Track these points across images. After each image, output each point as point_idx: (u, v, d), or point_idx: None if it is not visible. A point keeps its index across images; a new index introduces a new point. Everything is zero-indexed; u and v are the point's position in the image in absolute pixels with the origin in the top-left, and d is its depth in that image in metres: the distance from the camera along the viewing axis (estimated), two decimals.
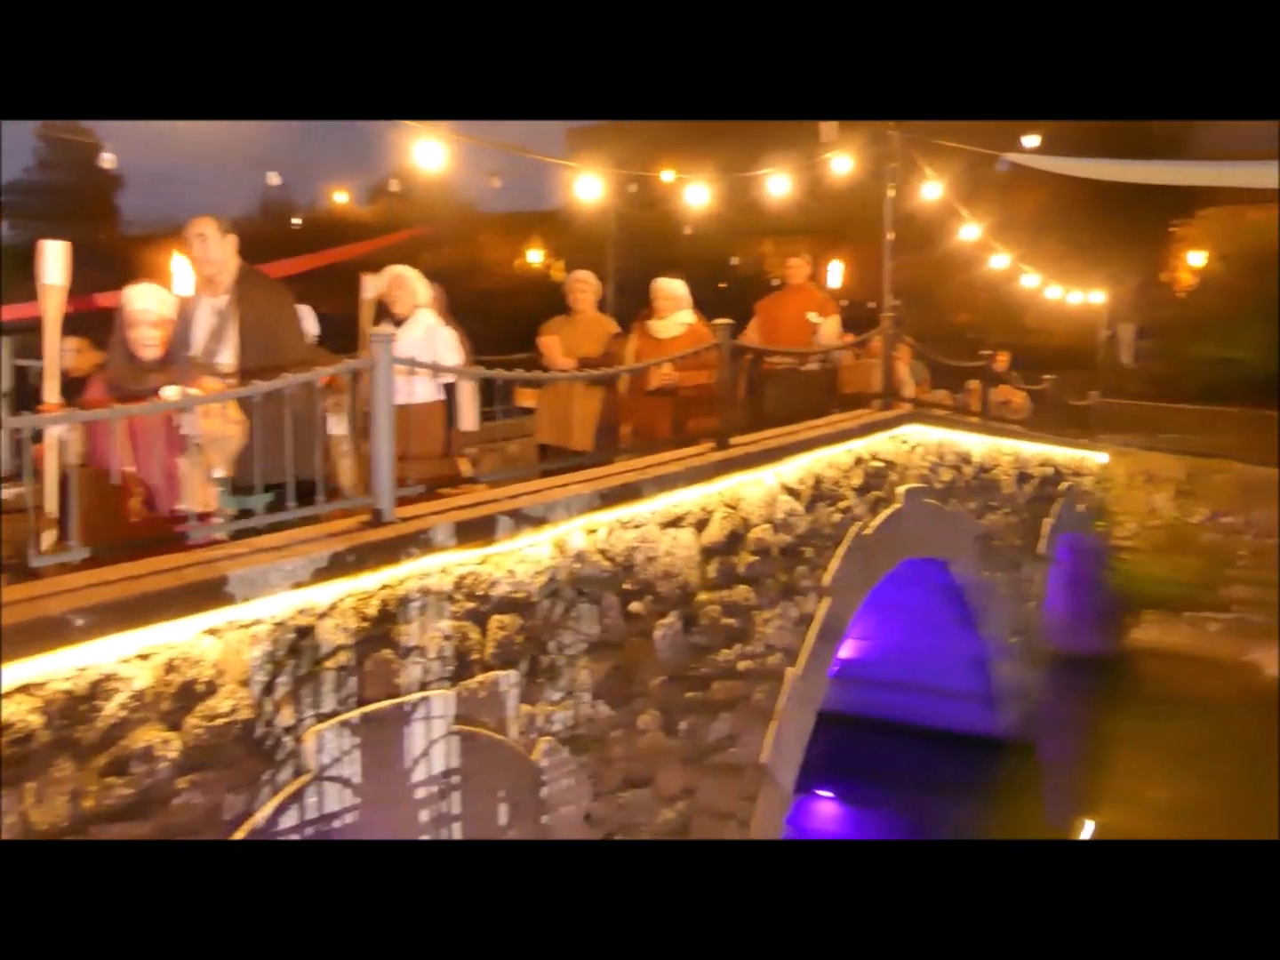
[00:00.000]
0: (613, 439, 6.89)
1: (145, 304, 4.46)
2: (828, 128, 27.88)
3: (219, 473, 4.17)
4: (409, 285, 5.96)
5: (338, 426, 5.77)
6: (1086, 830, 10.22)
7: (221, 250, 4.82)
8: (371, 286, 5.81)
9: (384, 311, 6.10)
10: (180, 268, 5.82)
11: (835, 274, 8.52)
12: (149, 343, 4.43)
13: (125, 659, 3.15)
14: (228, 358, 4.71)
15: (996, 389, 13.01)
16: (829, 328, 8.61)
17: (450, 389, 5.66)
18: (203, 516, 4.03)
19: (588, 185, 8.84)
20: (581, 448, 6.78)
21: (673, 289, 7.24)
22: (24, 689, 2.90)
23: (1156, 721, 12.60)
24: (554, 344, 7.06)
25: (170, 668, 3.27)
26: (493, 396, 8.28)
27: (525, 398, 7.88)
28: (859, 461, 7.85)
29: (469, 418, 5.79)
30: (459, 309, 6.57)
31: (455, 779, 4.27)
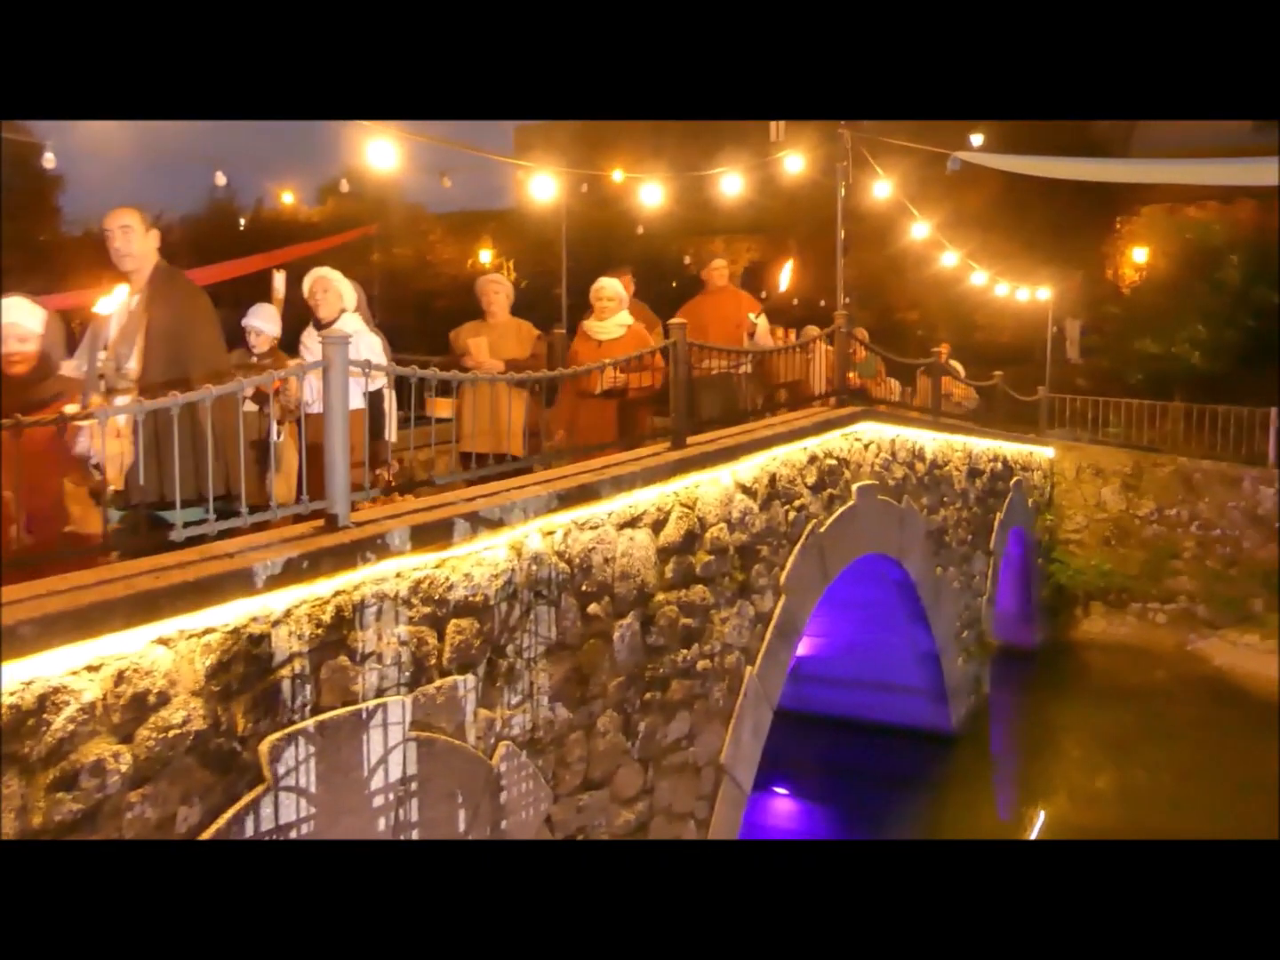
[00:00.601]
0: (539, 444, 6.60)
1: (11, 318, 4.26)
2: (777, 127, 28.03)
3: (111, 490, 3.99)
4: (334, 288, 5.85)
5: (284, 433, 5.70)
6: (1038, 820, 10.37)
7: (144, 245, 4.63)
8: (283, 285, 5.64)
9: (308, 315, 5.98)
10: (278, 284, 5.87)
11: (786, 276, 8.52)
12: (14, 359, 4.25)
13: (74, 671, 3.08)
14: (134, 363, 4.48)
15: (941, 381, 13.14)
16: (762, 327, 8.53)
17: (373, 398, 5.45)
18: (85, 538, 3.87)
19: (540, 184, 8.81)
20: (515, 453, 6.44)
21: (613, 289, 7.13)
22: None
23: (1103, 712, 12.84)
24: (482, 345, 6.77)
25: (120, 679, 3.20)
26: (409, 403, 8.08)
27: (441, 407, 7.54)
28: (813, 459, 7.89)
29: (390, 428, 5.64)
30: (408, 308, 6.51)
31: (413, 785, 4.23)
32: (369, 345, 5.65)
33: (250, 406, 5.47)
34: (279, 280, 5.86)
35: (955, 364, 14.44)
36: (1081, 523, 16.18)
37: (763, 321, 8.50)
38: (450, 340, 7.09)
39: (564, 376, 6.52)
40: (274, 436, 5.57)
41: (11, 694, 2.92)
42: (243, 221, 33.02)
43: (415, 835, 4.24)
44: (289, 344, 6.31)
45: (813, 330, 9.89)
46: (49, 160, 10.28)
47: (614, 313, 7.08)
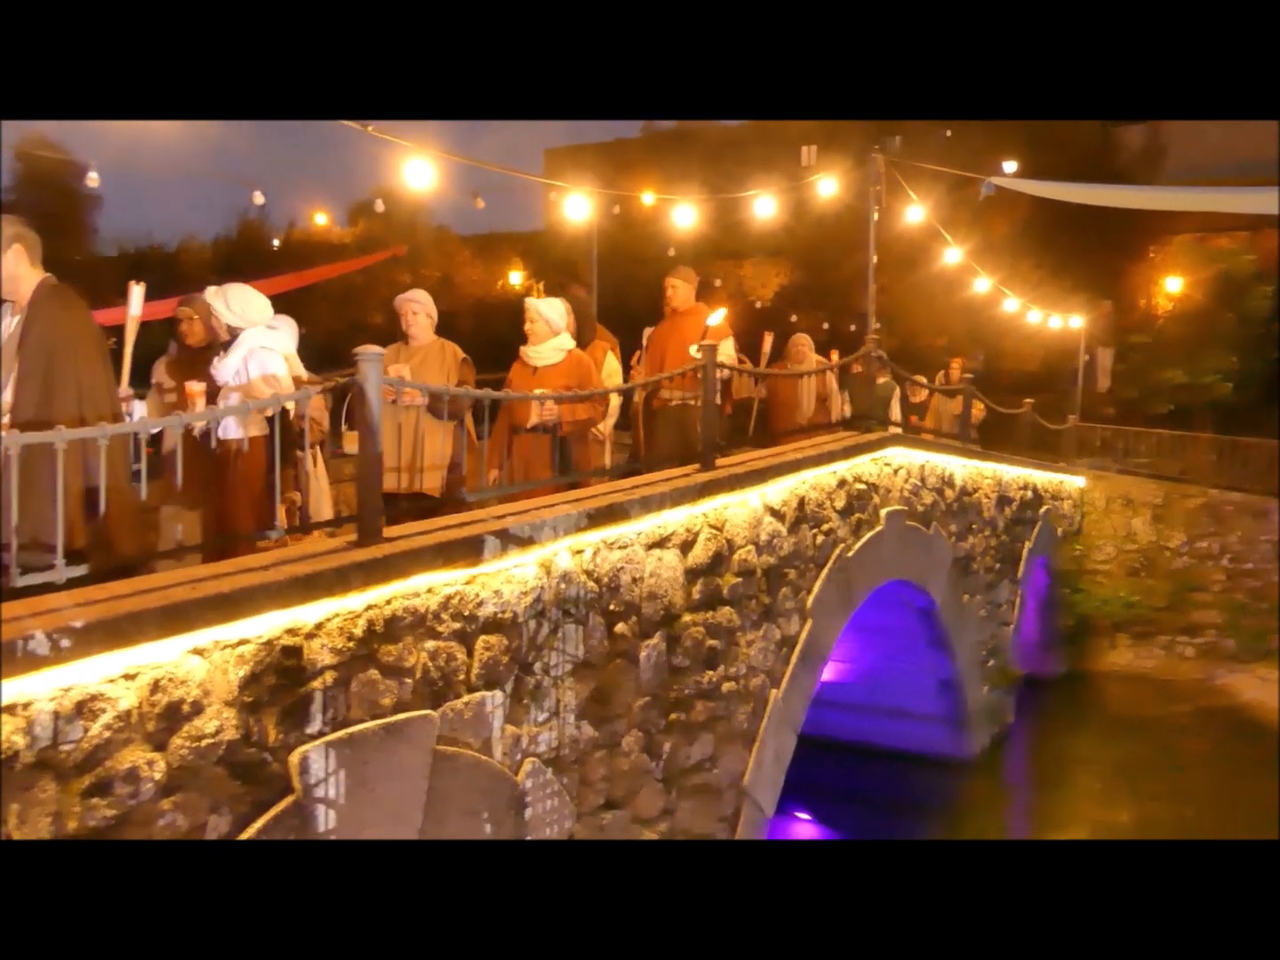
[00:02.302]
0: (459, 480, 5.93)
1: None
2: (808, 151, 28.13)
3: None
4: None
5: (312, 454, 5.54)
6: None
7: (15, 263, 4.20)
8: (138, 301, 5.20)
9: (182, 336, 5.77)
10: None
11: (717, 318, 7.38)
12: None
13: (110, 679, 3.11)
14: (8, 392, 4.07)
15: (951, 402, 12.79)
16: (724, 352, 7.37)
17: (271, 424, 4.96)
18: None
19: (574, 205, 8.86)
20: (431, 491, 5.92)
21: (549, 310, 6.41)
22: (7, 709, 2.86)
23: (1125, 744, 12.70)
24: (402, 373, 6.00)
25: (156, 688, 3.24)
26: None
27: (349, 441, 6.27)
28: (843, 484, 7.88)
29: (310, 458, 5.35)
30: (437, 329, 6.34)
31: (439, 800, 4.24)
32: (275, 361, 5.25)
33: (258, 430, 5.07)
34: (136, 294, 5.19)
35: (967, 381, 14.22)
36: (1110, 553, 16.06)
37: (726, 346, 7.41)
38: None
39: (472, 397, 5.36)
40: (307, 462, 5.39)
41: (50, 700, 2.96)
42: (276, 241, 33.41)
43: None
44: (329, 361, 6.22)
45: (802, 341, 9.67)
46: (92, 179, 10.42)
47: (549, 336, 6.39)
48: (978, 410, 13.45)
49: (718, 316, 7.36)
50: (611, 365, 7.46)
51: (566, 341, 6.42)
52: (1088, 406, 19.19)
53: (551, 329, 6.37)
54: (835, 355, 11.07)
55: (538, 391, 6.13)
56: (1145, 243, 23.07)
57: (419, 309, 6.35)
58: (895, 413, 10.28)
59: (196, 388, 5.23)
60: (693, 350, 6.99)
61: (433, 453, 5.96)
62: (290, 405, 4.84)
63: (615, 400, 7.12)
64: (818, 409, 9.25)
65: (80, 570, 3.47)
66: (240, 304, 5.27)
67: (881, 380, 10.57)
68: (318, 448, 5.58)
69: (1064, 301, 18.48)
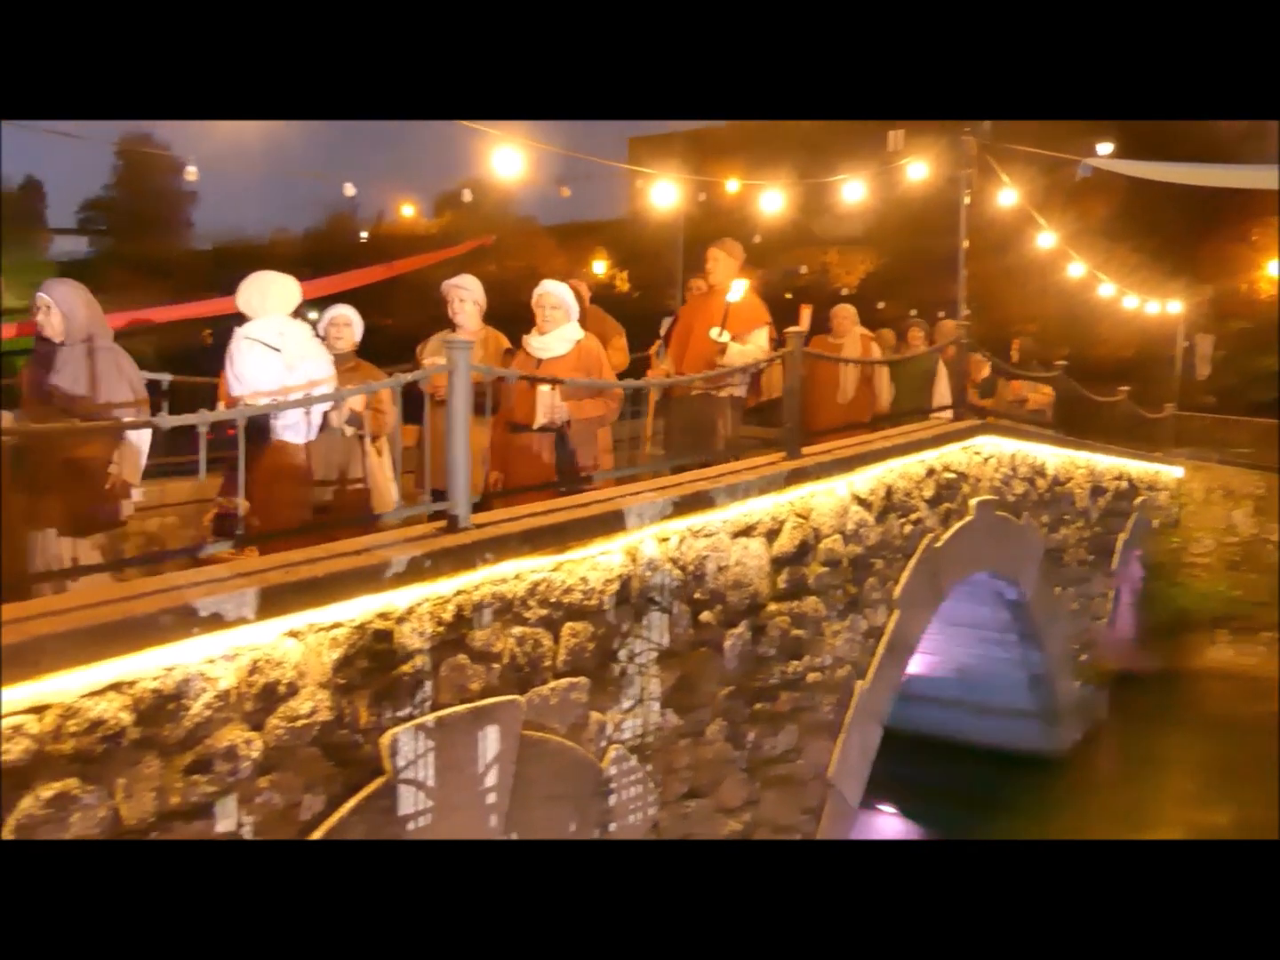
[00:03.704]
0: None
1: None
2: (895, 136, 27.70)
3: None
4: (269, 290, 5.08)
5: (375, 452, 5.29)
6: None
7: None
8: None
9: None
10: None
11: (739, 290, 6.61)
12: None
13: (211, 659, 3.20)
14: None
15: (1009, 385, 11.69)
16: (751, 341, 6.76)
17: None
18: None
19: (661, 191, 8.83)
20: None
21: (558, 296, 5.78)
22: (115, 687, 2.96)
23: (1224, 744, 12.30)
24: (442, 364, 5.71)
25: (254, 669, 3.32)
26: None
27: (406, 435, 6.02)
28: (931, 473, 7.76)
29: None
30: (519, 320, 6.28)
31: (525, 784, 4.28)
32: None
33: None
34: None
35: (1034, 365, 12.78)
36: (1209, 546, 15.56)
37: (759, 338, 6.81)
38: (416, 356, 6.16)
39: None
40: (369, 456, 5.26)
41: (154, 679, 3.05)
42: (364, 233, 33.99)
43: (526, 833, 4.29)
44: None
45: (845, 313, 8.74)
46: (191, 173, 10.68)
47: (557, 324, 5.75)
48: (1044, 395, 12.67)
49: (738, 290, 6.68)
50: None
51: (575, 331, 5.84)
52: (1186, 395, 18.62)
53: (569, 316, 5.83)
54: (890, 334, 10.20)
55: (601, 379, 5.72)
56: (1247, 224, 22.30)
57: (467, 296, 6.04)
58: (943, 392, 8.87)
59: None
60: (713, 334, 6.59)
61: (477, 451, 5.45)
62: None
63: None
64: (860, 390, 8.41)
65: None
66: (257, 295, 5.03)
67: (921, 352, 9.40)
68: (383, 440, 5.35)
69: (1162, 286, 17.95)
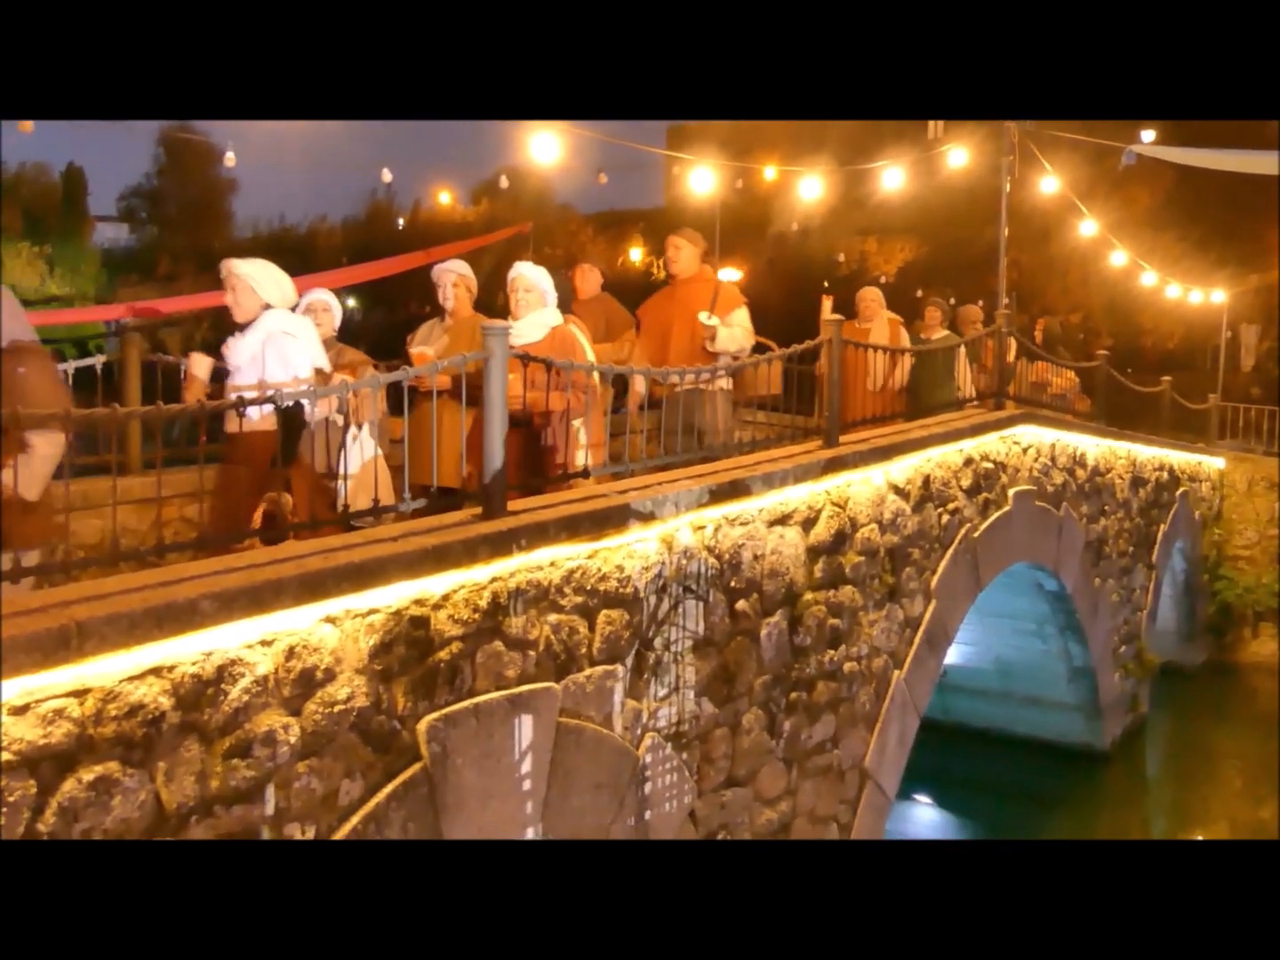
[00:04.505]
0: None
1: None
2: (935, 125, 27.43)
3: None
4: (246, 285, 4.92)
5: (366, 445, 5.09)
6: None
7: None
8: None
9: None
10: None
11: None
12: None
13: (249, 644, 3.22)
14: None
15: (1031, 368, 10.78)
16: (735, 323, 6.44)
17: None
18: None
19: (699, 178, 8.79)
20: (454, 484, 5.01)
21: (531, 279, 5.51)
22: (155, 671, 2.98)
23: (1269, 740, 12.13)
24: (425, 358, 5.49)
25: (291, 654, 3.34)
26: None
27: (394, 427, 5.62)
28: (969, 462, 7.69)
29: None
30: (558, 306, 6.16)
31: (561, 772, 4.28)
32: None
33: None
34: None
35: (1061, 351, 12.15)
36: (1252, 538, 15.32)
37: (739, 316, 6.47)
38: (407, 345, 5.95)
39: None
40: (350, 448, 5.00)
41: (193, 664, 3.07)
42: (401, 221, 34.18)
43: (562, 820, 4.30)
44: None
45: (871, 295, 8.45)
46: (230, 159, 10.75)
47: (533, 309, 5.47)
48: (1068, 380, 11.77)
49: (732, 275, 6.59)
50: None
51: (552, 316, 5.52)
52: (1230, 386, 18.33)
53: (544, 301, 5.55)
54: (933, 316, 9.36)
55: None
56: None
57: (460, 282, 5.79)
58: (963, 377, 8.46)
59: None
60: (702, 317, 6.20)
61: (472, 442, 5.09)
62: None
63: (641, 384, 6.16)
64: (889, 377, 8.05)
65: None
66: (275, 286, 4.97)
67: (938, 335, 9.10)
68: (370, 426, 5.16)
69: (1207, 276, 17.67)
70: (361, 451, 5.08)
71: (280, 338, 4.88)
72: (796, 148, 22.92)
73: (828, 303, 8.04)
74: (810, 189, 9.55)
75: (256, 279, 4.99)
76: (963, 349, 8.63)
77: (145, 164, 39.08)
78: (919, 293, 21.09)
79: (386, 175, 13.50)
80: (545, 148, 7.39)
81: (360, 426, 5.04)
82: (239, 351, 4.90)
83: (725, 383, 6.41)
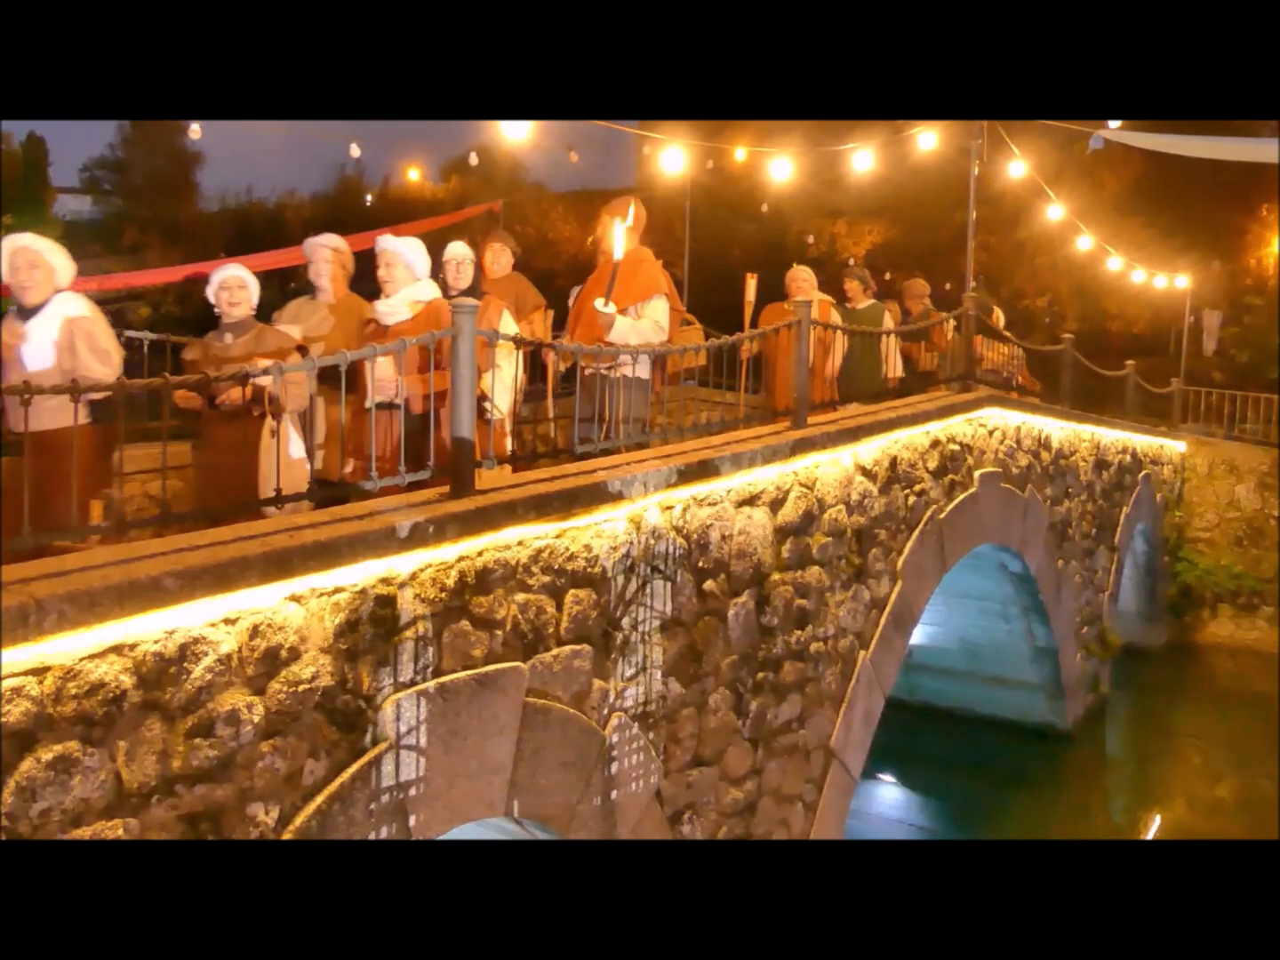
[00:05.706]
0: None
1: None
2: None
3: None
4: (44, 263, 4.59)
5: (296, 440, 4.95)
6: (1152, 826, 10.05)
7: None
8: None
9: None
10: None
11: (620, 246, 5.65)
12: None
13: (212, 623, 3.19)
14: None
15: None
16: (647, 314, 5.87)
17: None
18: None
19: (670, 157, 8.74)
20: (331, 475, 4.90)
21: (393, 252, 5.13)
22: (116, 650, 2.95)
23: (1228, 718, 12.37)
24: (294, 334, 5.25)
25: (255, 633, 3.31)
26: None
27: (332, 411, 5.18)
28: (936, 444, 7.73)
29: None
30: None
31: (529, 751, 4.28)
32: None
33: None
34: None
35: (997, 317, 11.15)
36: (1212, 521, 15.54)
37: (654, 310, 5.90)
38: (273, 323, 5.46)
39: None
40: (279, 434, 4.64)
41: (155, 642, 3.04)
42: (369, 197, 33.83)
43: (529, 800, 4.30)
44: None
45: (802, 274, 7.81)
46: (195, 131, 10.60)
47: (401, 284, 5.14)
48: (1000, 354, 10.80)
49: (619, 234, 5.67)
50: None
51: (425, 291, 5.19)
52: (1194, 369, 18.53)
53: (412, 275, 5.18)
54: (896, 307, 9.08)
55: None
56: (1258, 200, 22.11)
57: (334, 258, 5.43)
58: (894, 361, 7.96)
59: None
60: (598, 304, 5.68)
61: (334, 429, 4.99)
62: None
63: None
64: (819, 360, 7.39)
65: None
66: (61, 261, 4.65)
67: (864, 305, 8.41)
68: (294, 416, 4.97)
69: (1172, 261, 17.82)
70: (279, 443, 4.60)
71: (83, 322, 4.66)
72: (767, 130, 22.87)
73: (752, 281, 7.69)
74: (780, 169, 9.53)
75: (403, 255, 5.12)
76: (889, 325, 8.13)
77: (109, 135, 38.49)
78: (888, 275, 21.15)
79: (355, 150, 13.34)
80: (515, 125, 7.31)
81: (279, 418, 4.64)
82: (31, 341, 4.61)
83: (639, 369, 5.76)
